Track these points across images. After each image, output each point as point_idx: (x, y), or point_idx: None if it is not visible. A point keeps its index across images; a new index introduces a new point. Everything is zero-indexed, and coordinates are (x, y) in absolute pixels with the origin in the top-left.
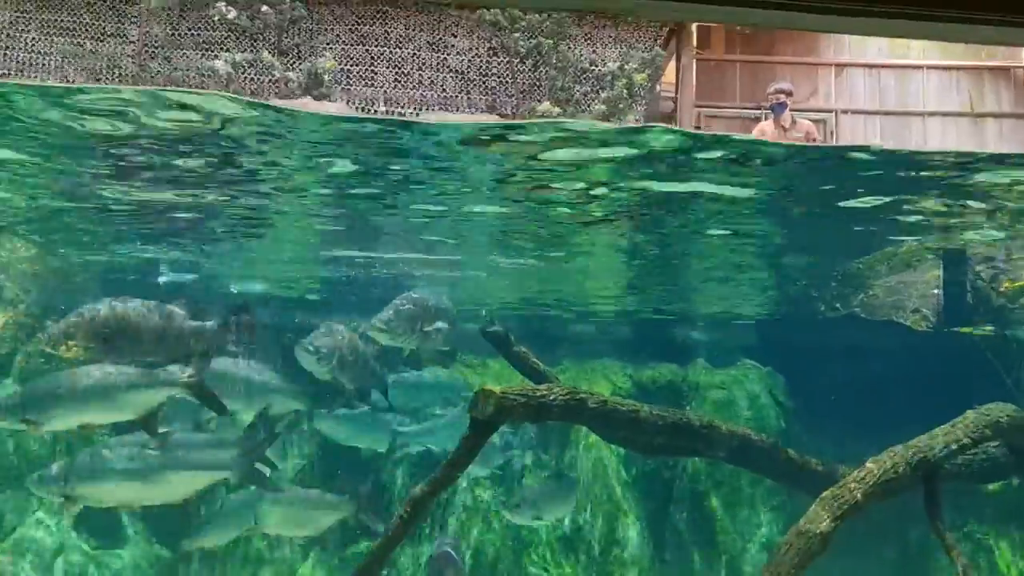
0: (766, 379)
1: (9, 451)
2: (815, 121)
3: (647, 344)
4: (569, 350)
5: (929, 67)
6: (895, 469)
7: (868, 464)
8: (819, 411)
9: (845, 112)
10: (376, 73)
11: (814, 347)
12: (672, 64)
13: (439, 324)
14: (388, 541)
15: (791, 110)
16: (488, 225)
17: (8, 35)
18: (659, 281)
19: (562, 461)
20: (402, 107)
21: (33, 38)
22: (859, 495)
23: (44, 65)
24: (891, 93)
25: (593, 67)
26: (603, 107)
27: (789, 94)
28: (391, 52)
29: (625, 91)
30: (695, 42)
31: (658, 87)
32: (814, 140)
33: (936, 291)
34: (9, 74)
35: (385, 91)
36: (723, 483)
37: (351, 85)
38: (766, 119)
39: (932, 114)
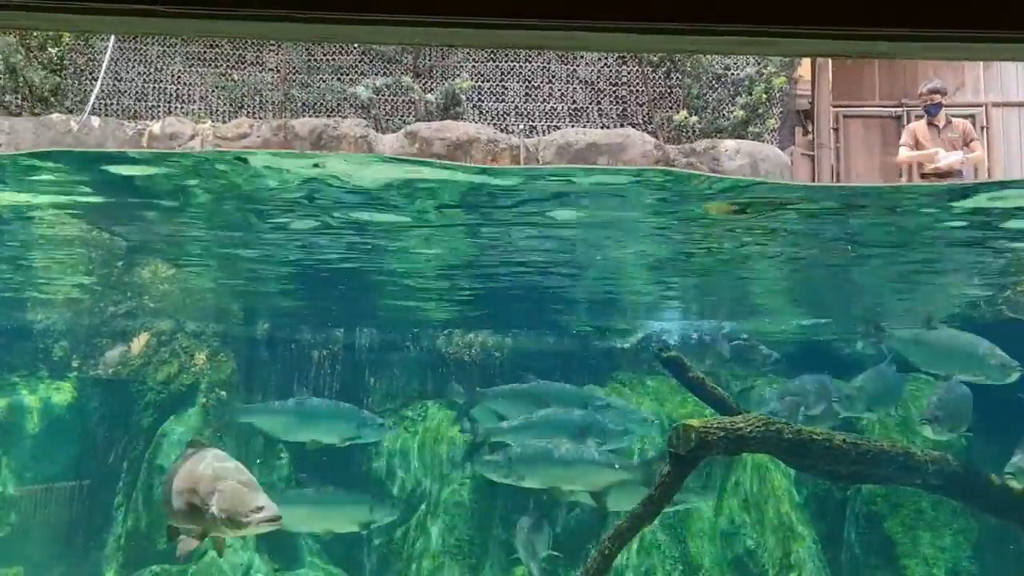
0: None
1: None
2: (964, 116)
3: (809, 359)
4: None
5: None
6: None
7: None
8: (1003, 427)
9: (997, 105)
10: (507, 88)
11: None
12: (807, 61)
13: None
14: None
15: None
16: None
17: (156, 68)
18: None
19: (727, 482)
20: (533, 121)
21: (179, 71)
22: None
23: (190, 96)
24: None
25: (728, 72)
26: (742, 113)
27: (944, 94)
28: (521, 66)
29: (764, 95)
30: None
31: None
32: (972, 140)
33: None
34: (159, 106)
35: (516, 106)
36: (902, 504)
37: (483, 102)
38: (917, 119)
39: None
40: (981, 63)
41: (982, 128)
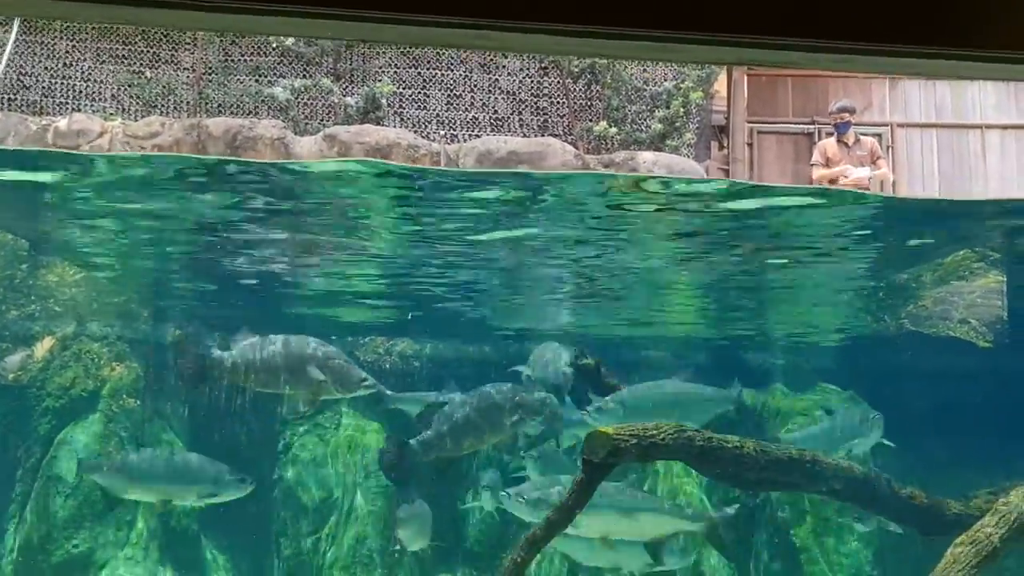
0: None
1: (97, 488)
2: (871, 135)
3: (722, 368)
4: (643, 375)
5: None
6: None
7: (999, 506)
8: (906, 436)
9: (901, 126)
10: (429, 96)
11: (899, 368)
12: (723, 78)
13: None
14: None
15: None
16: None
17: (65, 64)
18: (735, 306)
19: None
20: (455, 129)
21: (89, 67)
22: (997, 540)
23: (100, 94)
24: (947, 105)
25: (647, 86)
26: (660, 126)
27: (853, 112)
28: (443, 74)
29: (681, 109)
30: None
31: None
32: (879, 158)
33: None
34: (67, 102)
35: (438, 114)
36: (808, 512)
37: (404, 108)
38: (827, 136)
39: (990, 127)
40: (887, 85)
41: (888, 147)
